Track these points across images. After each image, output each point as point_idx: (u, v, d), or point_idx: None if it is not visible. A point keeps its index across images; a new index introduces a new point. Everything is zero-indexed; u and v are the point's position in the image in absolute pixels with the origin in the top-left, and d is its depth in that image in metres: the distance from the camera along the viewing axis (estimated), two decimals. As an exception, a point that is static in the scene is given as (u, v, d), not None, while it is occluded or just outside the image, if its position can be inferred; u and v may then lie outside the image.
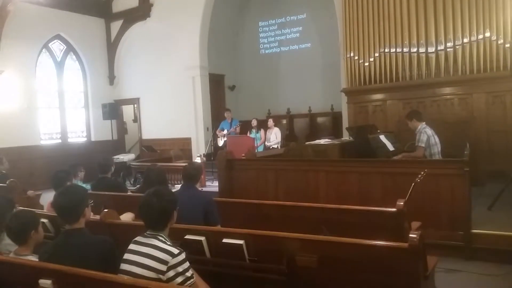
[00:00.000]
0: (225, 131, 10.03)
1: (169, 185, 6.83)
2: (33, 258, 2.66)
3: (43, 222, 3.21)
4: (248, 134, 9.77)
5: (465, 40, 7.52)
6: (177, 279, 2.25)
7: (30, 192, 6.52)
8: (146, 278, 2.24)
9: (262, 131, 9.88)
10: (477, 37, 7.42)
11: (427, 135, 5.63)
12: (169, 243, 2.37)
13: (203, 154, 10.10)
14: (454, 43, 7.63)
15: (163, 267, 2.26)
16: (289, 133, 12.66)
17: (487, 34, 7.33)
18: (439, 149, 5.68)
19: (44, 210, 4.61)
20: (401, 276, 2.36)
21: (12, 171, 7.34)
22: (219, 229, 3.21)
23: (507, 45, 7.06)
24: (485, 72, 7.40)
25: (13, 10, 10.12)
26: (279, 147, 9.57)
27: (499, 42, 7.23)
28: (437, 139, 5.69)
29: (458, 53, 7.61)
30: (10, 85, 10.62)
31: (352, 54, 8.73)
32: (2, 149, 9.49)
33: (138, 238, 2.44)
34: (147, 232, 2.43)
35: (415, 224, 3.48)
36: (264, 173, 6.03)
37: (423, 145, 5.60)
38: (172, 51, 12.00)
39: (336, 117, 11.63)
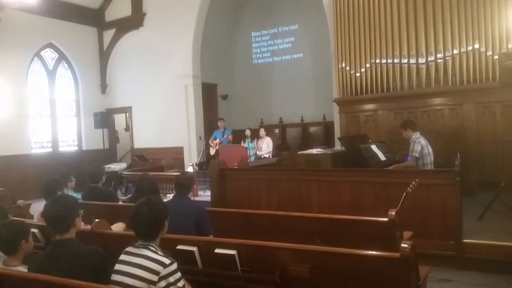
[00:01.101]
0: (218, 140, 10.04)
1: (161, 194, 6.80)
2: (23, 269, 2.62)
3: (33, 232, 3.17)
4: (241, 144, 9.78)
5: (455, 52, 7.64)
6: (168, 289, 2.23)
7: (20, 202, 6.46)
8: (137, 289, 2.22)
9: (256, 140, 9.91)
10: (466, 48, 7.53)
11: (421, 145, 5.63)
12: (160, 253, 2.35)
13: (196, 163, 10.08)
14: (444, 54, 7.74)
15: (154, 278, 2.24)
16: (281, 143, 12.68)
17: (476, 46, 7.45)
18: (432, 159, 5.70)
19: (34, 220, 4.56)
20: (393, 285, 2.36)
21: (2, 180, 7.27)
22: (211, 239, 3.20)
23: (496, 57, 7.17)
24: (475, 83, 7.50)
25: (5, 17, 10.08)
26: (270, 157, 9.58)
27: (488, 54, 7.35)
28: (430, 149, 5.70)
29: (448, 64, 7.71)
30: (1, 93, 10.54)
31: (343, 65, 8.80)
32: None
33: (129, 249, 2.42)
34: (138, 242, 2.41)
35: (406, 234, 3.50)
36: (256, 183, 6.03)
37: (417, 155, 5.62)
38: (165, 60, 12.02)
39: (328, 127, 11.69)
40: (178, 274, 2.29)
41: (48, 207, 2.64)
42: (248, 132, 9.88)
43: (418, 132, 5.83)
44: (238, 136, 10.42)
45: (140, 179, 4.73)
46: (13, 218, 3.42)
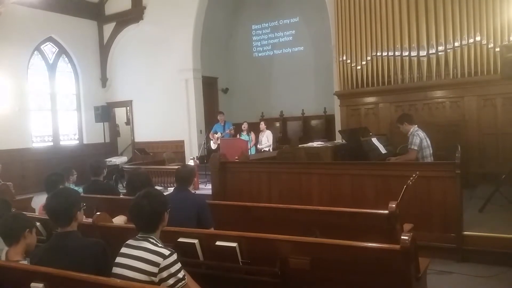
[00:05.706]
0: (219, 134, 10.03)
1: (162, 187, 6.82)
2: (25, 263, 2.63)
3: (35, 225, 3.18)
4: (237, 137, 9.77)
5: (456, 44, 7.60)
6: (169, 280, 2.25)
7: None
8: (138, 281, 2.23)
9: (252, 134, 9.89)
10: (468, 41, 7.50)
11: (419, 138, 5.63)
12: (160, 245, 2.37)
13: (196, 156, 10.08)
14: (445, 46, 7.71)
15: (154, 269, 2.25)
16: (282, 136, 12.69)
17: (478, 38, 7.41)
18: (431, 151, 5.70)
19: (36, 213, 4.57)
20: (393, 277, 2.37)
21: (3, 174, 7.29)
22: (212, 232, 3.21)
23: (497, 49, 7.13)
24: (476, 76, 7.47)
25: (5, 12, 10.05)
26: (270, 150, 9.59)
27: (489, 46, 7.32)
28: (428, 142, 5.71)
29: (449, 56, 7.68)
30: (1, 87, 10.53)
31: (344, 58, 8.77)
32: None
33: (130, 241, 2.43)
34: (139, 235, 2.43)
35: (407, 226, 3.50)
36: (257, 176, 6.04)
37: (416, 147, 5.60)
38: (165, 54, 11.99)
39: (329, 120, 11.68)
40: (178, 265, 2.31)
41: (50, 201, 2.65)
42: (245, 125, 9.87)
43: (416, 125, 5.81)
44: (238, 129, 10.44)
45: (131, 175, 4.70)
46: (17, 211, 3.42)
